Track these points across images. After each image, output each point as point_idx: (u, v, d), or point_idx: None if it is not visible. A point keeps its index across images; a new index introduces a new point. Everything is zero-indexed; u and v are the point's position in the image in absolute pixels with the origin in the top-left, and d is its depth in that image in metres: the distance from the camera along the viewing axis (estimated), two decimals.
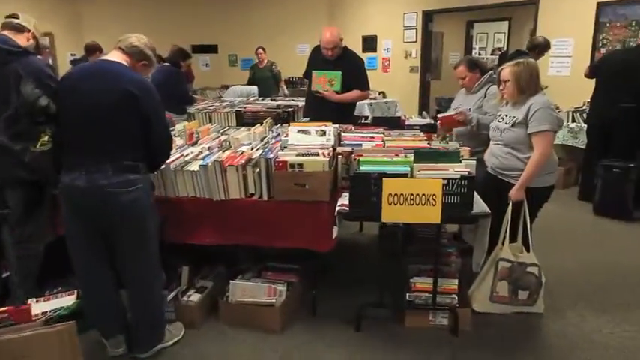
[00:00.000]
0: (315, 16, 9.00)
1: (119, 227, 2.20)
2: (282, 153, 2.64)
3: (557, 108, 3.75)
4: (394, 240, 3.11)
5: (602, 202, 4.50)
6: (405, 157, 2.50)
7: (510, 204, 2.73)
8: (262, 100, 6.10)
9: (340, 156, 2.69)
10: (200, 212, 2.64)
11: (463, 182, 2.27)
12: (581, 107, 5.32)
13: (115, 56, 2.24)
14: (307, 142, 2.89)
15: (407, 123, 3.66)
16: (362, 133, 3.27)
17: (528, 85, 2.76)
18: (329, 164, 2.51)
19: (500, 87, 2.88)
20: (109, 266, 2.32)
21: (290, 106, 5.13)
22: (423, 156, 2.37)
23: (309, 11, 9.11)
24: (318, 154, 2.59)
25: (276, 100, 5.98)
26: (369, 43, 8.47)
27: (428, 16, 7.58)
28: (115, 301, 2.39)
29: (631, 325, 2.72)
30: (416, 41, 7.86)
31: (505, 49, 9.97)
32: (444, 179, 2.26)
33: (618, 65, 4.53)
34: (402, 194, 2.26)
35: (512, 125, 2.77)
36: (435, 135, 3.30)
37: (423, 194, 2.26)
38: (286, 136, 3.15)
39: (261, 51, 7.66)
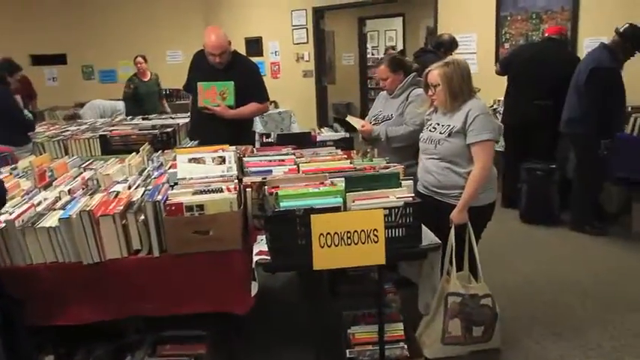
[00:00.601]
0: (187, 16, 8.60)
1: None
2: (173, 192, 2.27)
3: None
4: (318, 280, 2.87)
5: (528, 207, 4.68)
6: (332, 184, 2.26)
7: (452, 228, 2.62)
8: (131, 119, 5.58)
9: (249, 189, 2.39)
10: (66, 282, 2.17)
11: (408, 210, 2.09)
12: (493, 106, 5.55)
13: None
14: (203, 174, 2.55)
15: (318, 139, 3.46)
16: (268, 155, 2.99)
17: (461, 89, 2.69)
18: (237, 201, 2.20)
19: (430, 92, 2.79)
20: None
21: (169, 126, 4.71)
22: (355, 182, 2.16)
23: (180, 11, 8.67)
24: (221, 190, 2.27)
25: (149, 119, 5.49)
26: (253, 46, 8.25)
27: (319, 13, 7.55)
28: None
29: (592, 348, 2.75)
30: (307, 42, 7.79)
31: (401, 47, 10.33)
32: (384, 209, 2.07)
33: (527, 61, 4.77)
34: (336, 233, 2.02)
35: (449, 135, 2.68)
36: (355, 151, 3.12)
37: (362, 230, 2.04)
38: (172, 167, 2.79)
39: (140, 60, 6.92)
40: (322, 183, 2.27)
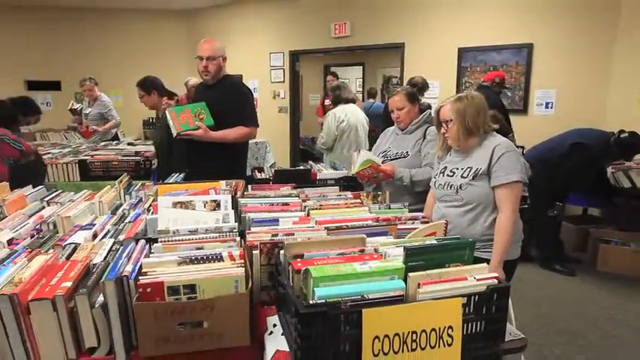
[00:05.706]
0: (174, 49, 7.50)
1: None
2: (149, 260, 1.22)
3: None
4: None
5: None
6: (378, 253, 1.28)
7: None
8: (116, 144, 4.43)
9: (256, 251, 1.38)
10: None
11: (493, 297, 1.14)
12: None
13: None
14: (192, 225, 1.52)
15: (319, 176, 2.49)
16: (267, 197, 1.99)
17: (476, 124, 1.87)
18: (245, 279, 1.18)
19: (442, 130, 1.95)
20: None
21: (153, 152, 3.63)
22: (418, 254, 1.19)
23: (167, 44, 7.56)
24: (221, 258, 1.24)
25: (135, 145, 4.36)
26: None
27: (295, 57, 6.61)
28: None
29: None
30: (283, 81, 6.81)
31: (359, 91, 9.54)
32: (462, 296, 1.12)
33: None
34: (396, 335, 1.05)
35: (474, 177, 1.84)
36: (363, 193, 2.16)
37: (433, 329, 1.08)
38: (152, 208, 1.77)
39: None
40: (362, 252, 1.28)
